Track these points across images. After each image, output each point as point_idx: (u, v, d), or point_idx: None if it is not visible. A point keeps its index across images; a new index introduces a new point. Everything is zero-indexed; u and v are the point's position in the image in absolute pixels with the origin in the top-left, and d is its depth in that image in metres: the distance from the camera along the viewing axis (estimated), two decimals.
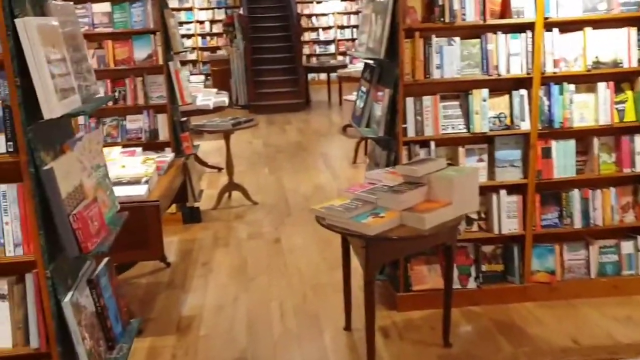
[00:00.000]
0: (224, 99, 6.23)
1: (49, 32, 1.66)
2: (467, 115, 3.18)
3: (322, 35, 14.17)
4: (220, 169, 6.43)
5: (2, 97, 1.64)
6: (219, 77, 11.32)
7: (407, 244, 2.61)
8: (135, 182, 3.18)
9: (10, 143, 1.63)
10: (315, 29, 14.10)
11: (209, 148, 7.32)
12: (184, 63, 13.85)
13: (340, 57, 14.12)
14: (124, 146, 4.58)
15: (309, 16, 13.95)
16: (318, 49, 14.21)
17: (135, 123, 4.77)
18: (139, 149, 3.84)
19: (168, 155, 3.81)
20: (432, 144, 3.18)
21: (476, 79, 3.16)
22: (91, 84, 1.98)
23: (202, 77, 8.69)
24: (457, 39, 3.12)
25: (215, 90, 6.51)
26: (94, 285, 1.87)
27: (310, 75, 11.88)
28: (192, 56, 13.88)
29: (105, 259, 2.02)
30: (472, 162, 3.24)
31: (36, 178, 1.66)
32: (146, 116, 4.73)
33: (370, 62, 3.54)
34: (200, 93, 6.31)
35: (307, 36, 13.87)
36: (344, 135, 8.27)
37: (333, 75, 11.39)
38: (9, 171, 1.68)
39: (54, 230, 1.69)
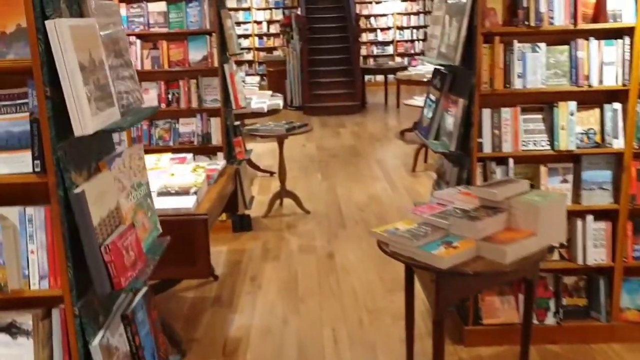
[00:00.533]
0: (278, 101, 6.01)
1: (86, 35, 1.44)
2: (551, 131, 2.82)
3: (381, 36, 13.82)
4: (272, 174, 6.22)
5: (31, 109, 1.43)
6: (275, 78, 11.16)
7: (484, 279, 2.28)
8: (184, 192, 2.98)
9: (38, 162, 1.42)
10: (373, 30, 13.77)
11: (263, 150, 7.14)
12: (240, 63, 13.80)
13: (398, 59, 13.74)
14: (175, 150, 4.44)
15: (367, 17, 13.64)
16: (376, 50, 13.87)
17: (188, 126, 4.61)
18: (189, 156, 3.64)
19: (219, 162, 3.60)
20: (511, 161, 2.83)
21: (563, 90, 2.79)
22: (134, 92, 1.75)
23: (257, 78, 8.53)
24: (543, 45, 2.76)
25: (269, 92, 6.31)
26: (128, 321, 1.65)
27: (367, 77, 11.56)
28: (249, 56, 13.81)
29: (144, 289, 1.79)
30: (555, 183, 2.88)
31: (65, 202, 1.44)
32: (199, 120, 4.56)
33: (441, 68, 3.22)
34: (254, 95, 6.12)
35: (365, 37, 13.55)
36: (402, 141, 7.93)
37: (391, 77, 11.05)
38: (35, 192, 1.48)
39: (84, 261, 1.47)
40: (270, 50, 13.59)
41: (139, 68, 4.44)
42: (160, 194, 2.97)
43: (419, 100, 6.34)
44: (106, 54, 1.56)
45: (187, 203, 2.86)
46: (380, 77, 12.72)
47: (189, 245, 2.83)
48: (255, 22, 13.70)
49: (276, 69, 11.15)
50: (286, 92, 10.96)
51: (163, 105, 4.53)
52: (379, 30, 13.80)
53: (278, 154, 5.11)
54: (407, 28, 13.78)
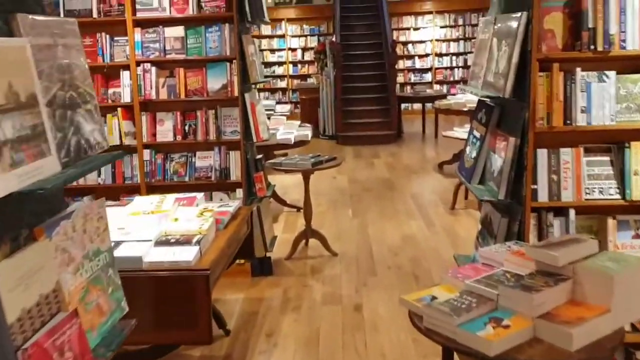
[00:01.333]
0: (307, 132, 5.64)
1: (5, 61, 1.06)
2: (621, 176, 2.34)
3: (418, 63, 13.42)
4: (299, 209, 5.81)
5: None
6: (307, 106, 10.86)
7: None
8: (186, 241, 2.59)
9: None
10: (410, 57, 13.39)
11: (290, 182, 6.75)
12: (273, 91, 13.60)
13: (437, 87, 13.29)
14: (191, 187, 4.09)
15: (405, 43, 13.28)
16: (413, 78, 13.46)
17: (205, 160, 4.25)
18: (199, 195, 3.27)
19: (232, 204, 3.21)
20: (572, 212, 2.35)
21: (636, 127, 2.31)
22: (92, 134, 1.37)
23: (288, 107, 8.21)
24: (612, 73, 2.30)
25: (298, 122, 5.94)
26: None
27: (403, 105, 11.15)
28: (283, 84, 13.59)
29: None
30: (625, 238, 2.38)
31: None
32: (217, 153, 4.20)
33: (487, 100, 2.77)
34: (281, 126, 5.76)
35: (402, 64, 13.17)
36: (440, 174, 7.43)
37: (429, 105, 10.62)
38: None
39: None
40: (304, 77, 13.35)
41: (154, 97, 4.14)
42: (158, 243, 2.59)
43: (459, 132, 5.87)
44: (47, 85, 1.18)
45: (187, 255, 2.47)
46: (417, 105, 12.30)
47: (188, 304, 2.43)
48: (290, 49, 13.50)
49: (309, 96, 10.84)
50: (319, 121, 10.63)
51: (179, 138, 4.20)
52: (416, 57, 13.41)
53: (304, 191, 4.71)
54: (447, 55, 13.34)
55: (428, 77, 13.43)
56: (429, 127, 10.69)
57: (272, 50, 13.51)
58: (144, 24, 4.10)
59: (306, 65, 13.53)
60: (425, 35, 13.33)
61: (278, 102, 13.36)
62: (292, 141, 5.40)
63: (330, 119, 10.39)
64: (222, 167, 4.21)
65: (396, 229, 5.30)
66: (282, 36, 13.44)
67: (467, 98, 7.21)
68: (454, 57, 13.35)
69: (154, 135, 4.23)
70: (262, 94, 13.62)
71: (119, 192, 4.32)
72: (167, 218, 2.84)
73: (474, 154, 2.69)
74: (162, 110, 4.22)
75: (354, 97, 10.46)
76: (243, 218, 3.21)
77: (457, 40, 13.28)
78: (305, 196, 4.67)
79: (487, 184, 2.57)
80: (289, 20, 13.37)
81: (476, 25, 13.13)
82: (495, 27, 2.60)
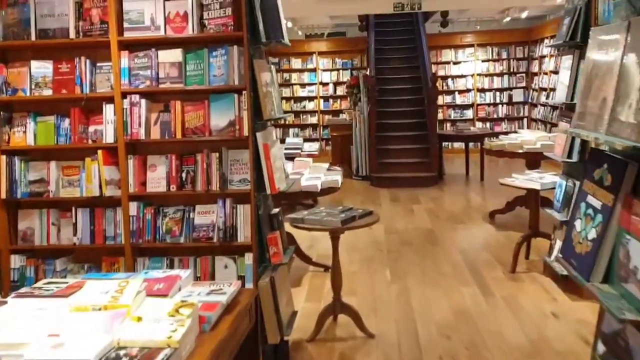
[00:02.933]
0: (336, 177, 4.72)
1: None
2: None
3: (459, 99, 12.48)
4: (327, 268, 4.86)
5: None
6: (339, 144, 10.00)
7: None
8: None
9: None
10: (450, 92, 12.47)
11: (316, 232, 5.80)
12: (304, 127, 12.81)
13: (479, 124, 12.30)
14: (188, 250, 3.21)
15: (444, 78, 12.38)
16: (453, 114, 12.51)
17: (207, 216, 3.36)
18: (184, 275, 2.37)
19: (227, 288, 2.29)
20: None
21: None
22: None
23: (317, 145, 7.35)
24: None
25: (326, 165, 5.04)
26: None
27: (443, 144, 10.18)
28: (313, 119, 12.80)
29: None
30: None
31: None
32: (221, 207, 3.31)
33: (605, 149, 1.81)
34: (307, 169, 4.87)
35: (441, 99, 12.24)
36: (492, 225, 6.40)
37: (471, 144, 9.65)
38: None
39: None
40: (336, 113, 12.54)
41: (143, 137, 3.29)
42: None
43: (520, 179, 4.88)
44: None
45: None
46: (457, 144, 11.34)
47: None
48: (321, 83, 12.75)
49: (341, 133, 9.99)
50: (352, 160, 9.74)
51: (174, 188, 3.33)
52: (456, 93, 12.48)
53: (332, 252, 3.77)
54: (489, 90, 12.38)
55: (469, 113, 12.47)
56: (472, 168, 9.68)
57: (303, 85, 12.78)
58: (133, 46, 3.29)
59: (338, 100, 12.75)
60: (466, 70, 12.43)
61: (306, 140, 12.58)
62: (319, 188, 4.50)
63: (364, 158, 9.49)
64: (227, 225, 3.31)
65: (445, 299, 4.29)
66: (314, 70, 12.72)
67: (523, 138, 6.22)
68: (497, 93, 12.38)
69: (143, 184, 3.38)
70: (291, 130, 12.86)
71: (99, 254, 3.47)
72: (124, 317, 1.93)
73: (592, 234, 1.72)
74: (154, 153, 3.37)
75: (390, 134, 9.56)
76: (243, 309, 2.29)
77: (500, 74, 12.33)
78: (334, 260, 3.73)
79: (620, 285, 1.59)
80: (321, 53, 12.66)
81: (521, 58, 12.17)
82: (630, 37, 1.66)
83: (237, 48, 3.21)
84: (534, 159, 6.21)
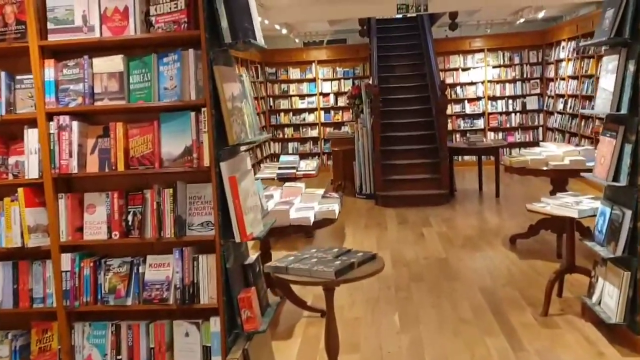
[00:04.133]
0: (333, 206, 3.95)
1: None
2: None
3: (468, 108, 11.71)
4: (324, 314, 4.06)
5: None
6: (341, 159, 9.23)
7: None
8: None
9: None
10: (459, 101, 11.70)
11: None
12: (303, 141, 12.05)
13: (490, 134, 11.51)
14: (135, 314, 2.47)
15: (452, 86, 11.60)
16: (463, 124, 11.73)
17: (160, 271, 2.62)
18: None
19: None
20: None
21: None
22: None
23: (315, 164, 6.58)
24: None
25: (321, 191, 4.27)
26: None
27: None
28: (314, 132, 12.06)
29: None
30: None
31: None
32: (178, 259, 2.57)
33: None
34: (297, 197, 4.10)
35: (449, 109, 11.45)
36: (514, 252, 5.60)
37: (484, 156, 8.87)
38: None
39: None
40: (338, 125, 11.79)
41: (76, 170, 2.55)
42: None
43: (552, 205, 4.08)
44: None
45: None
46: (468, 156, 10.58)
47: None
48: (321, 94, 12.01)
49: (342, 147, 9.22)
50: (355, 177, 8.97)
51: (117, 235, 2.59)
52: (466, 101, 11.71)
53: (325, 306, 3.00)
54: (501, 98, 11.60)
55: (480, 123, 11.67)
56: (486, 183, 8.89)
57: (302, 96, 12.05)
58: (60, 52, 2.56)
59: (340, 112, 12.00)
60: (476, 76, 11.65)
61: (305, 155, 11.82)
62: (312, 221, 3.73)
63: (368, 174, 8.72)
64: (186, 282, 2.56)
65: (467, 353, 3.50)
66: (313, 80, 11.99)
67: (548, 153, 5.43)
68: (509, 101, 11.59)
69: (79, 230, 2.63)
70: (290, 145, 12.11)
71: (26, 319, 2.72)
72: None
73: None
74: (91, 191, 2.63)
75: (396, 148, 8.79)
76: None
77: (513, 81, 11.54)
78: (328, 319, 2.95)
79: None
80: (320, 62, 11.93)
81: (535, 63, 11.40)
82: None
83: (193, 52, 2.48)
84: (561, 177, 5.42)
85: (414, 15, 11.79)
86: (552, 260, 5.27)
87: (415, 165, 8.54)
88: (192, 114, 2.48)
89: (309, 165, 6.60)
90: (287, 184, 4.38)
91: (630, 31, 3.27)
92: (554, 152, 5.44)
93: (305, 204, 3.96)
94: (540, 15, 8.45)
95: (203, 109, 2.46)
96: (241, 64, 10.04)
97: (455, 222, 7.05)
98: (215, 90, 2.44)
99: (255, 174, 9.85)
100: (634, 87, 3.29)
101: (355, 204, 8.48)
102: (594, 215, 3.82)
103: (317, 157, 12.06)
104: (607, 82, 3.53)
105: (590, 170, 5.21)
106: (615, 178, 3.46)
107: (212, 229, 2.52)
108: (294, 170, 6.39)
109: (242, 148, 2.78)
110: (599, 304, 3.67)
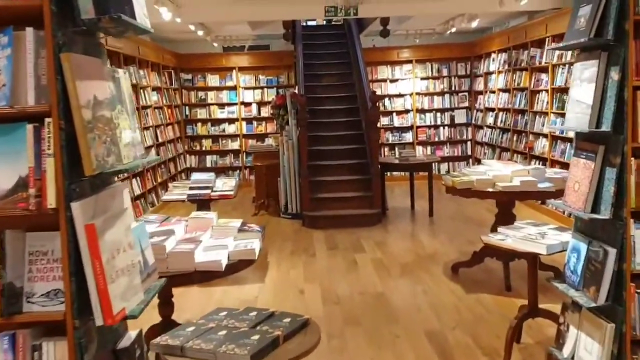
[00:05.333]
0: (252, 244, 3.10)
1: None
2: None
3: (397, 121, 11.22)
4: None
5: None
6: (264, 175, 8.41)
7: None
8: None
9: None
10: (387, 113, 11.19)
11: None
12: (223, 154, 11.11)
13: (419, 148, 11.07)
14: None
15: (380, 97, 11.04)
16: (391, 137, 11.23)
17: None
18: None
19: None
20: None
21: None
22: None
23: (234, 182, 5.71)
24: None
25: (238, 223, 3.41)
26: None
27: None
28: (235, 144, 11.16)
29: None
30: None
31: None
32: (8, 348, 1.67)
33: None
34: (206, 232, 3.24)
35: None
36: (458, 284, 4.98)
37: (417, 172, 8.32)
38: None
39: None
40: (261, 137, 10.96)
41: None
42: None
43: (512, 238, 3.45)
44: None
45: None
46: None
47: None
48: (243, 103, 11.15)
49: (266, 162, 8.41)
50: (279, 195, 8.18)
51: None
52: (394, 114, 11.22)
53: None
54: (429, 111, 11.20)
55: (409, 136, 11.22)
56: (418, 200, 8.35)
57: (222, 105, 11.13)
58: None
59: (263, 123, 11.18)
60: (404, 88, 11.19)
61: (222, 170, 10.90)
62: (224, 265, 2.88)
63: (294, 192, 7.95)
64: None
65: None
66: (234, 88, 11.10)
67: (494, 173, 4.86)
68: (438, 114, 11.21)
69: None
70: (208, 158, 11.14)
71: None
72: None
73: None
74: None
75: (324, 163, 8.09)
76: None
77: (441, 93, 11.18)
78: None
79: None
80: (241, 69, 11.07)
81: (463, 76, 11.09)
82: None
83: (33, 33, 1.60)
84: (510, 200, 4.88)
85: (342, 19, 11.26)
86: (500, 293, 4.70)
87: (345, 182, 7.86)
88: (30, 127, 1.61)
89: (226, 185, 5.72)
90: (193, 214, 3.52)
91: (614, 32, 2.68)
92: (501, 172, 4.88)
93: (217, 241, 3.11)
94: (474, 24, 8.04)
95: (47, 120, 1.60)
96: (151, 68, 9.02)
97: (389, 246, 6.40)
98: (63, 92, 1.58)
99: (158, 197, 8.72)
100: (618, 99, 2.71)
101: (280, 225, 7.69)
102: (563, 251, 3.23)
103: (238, 171, 11.17)
104: (582, 93, 2.94)
105: (548, 193, 4.71)
106: (595, 209, 2.86)
107: (61, 302, 1.65)
108: (208, 191, 5.51)
109: (114, 178, 1.92)
110: (572, 359, 3.07)
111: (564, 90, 7.07)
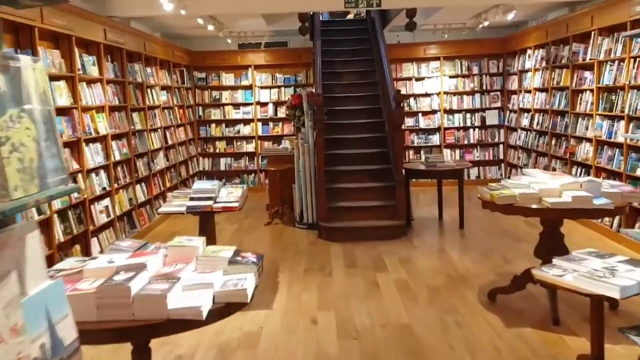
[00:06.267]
0: (245, 281, 2.45)
1: None
2: None
3: (423, 122, 10.50)
4: None
5: None
6: (278, 181, 7.79)
7: None
8: None
9: None
10: (413, 114, 10.48)
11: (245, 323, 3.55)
12: (237, 156, 10.52)
13: (446, 152, 10.34)
14: None
15: (405, 97, 10.36)
16: (417, 140, 10.51)
17: None
18: None
19: None
20: None
21: None
22: None
23: (240, 192, 5.07)
24: None
25: (231, 250, 2.75)
26: None
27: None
28: (250, 147, 10.56)
29: None
30: None
31: None
32: None
33: None
34: (189, 264, 2.60)
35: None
36: (496, 315, 4.28)
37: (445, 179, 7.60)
38: None
39: None
40: (278, 139, 10.34)
41: None
42: None
43: (572, 274, 2.75)
44: None
45: None
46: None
47: None
48: (259, 103, 10.54)
49: (280, 167, 7.78)
50: (294, 203, 7.54)
51: None
52: (420, 115, 10.50)
53: None
54: (458, 112, 10.46)
55: (435, 139, 10.49)
56: (447, 209, 7.64)
57: (236, 105, 10.54)
58: None
59: (280, 124, 10.56)
60: (431, 87, 10.47)
61: (237, 174, 10.34)
62: (204, 314, 2.24)
63: (310, 200, 7.31)
64: None
65: None
66: (249, 87, 10.51)
67: (540, 186, 4.14)
68: (468, 115, 10.46)
69: None
70: (222, 160, 10.57)
71: None
72: None
73: None
74: None
75: (343, 169, 7.43)
76: None
77: (471, 93, 10.42)
78: None
79: None
80: (258, 67, 10.47)
81: (495, 74, 10.32)
82: None
83: None
84: (559, 219, 4.16)
85: (363, 11, 10.61)
86: (547, 327, 3.99)
87: (366, 189, 7.18)
88: None
89: (231, 195, 5.09)
90: (175, 240, 2.87)
91: None
92: (548, 185, 4.16)
93: (201, 277, 2.47)
94: (510, 16, 7.29)
95: None
96: (160, 65, 8.45)
97: (415, 264, 5.70)
98: None
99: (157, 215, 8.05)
100: None
101: (294, 236, 7.05)
102: None
103: (253, 175, 10.57)
104: None
105: (605, 211, 3.96)
106: None
107: None
108: (210, 202, 4.90)
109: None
110: None
111: (612, 89, 6.29)
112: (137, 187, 7.28)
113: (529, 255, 4.65)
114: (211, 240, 5.24)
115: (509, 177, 9.02)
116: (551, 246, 4.23)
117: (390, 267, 5.61)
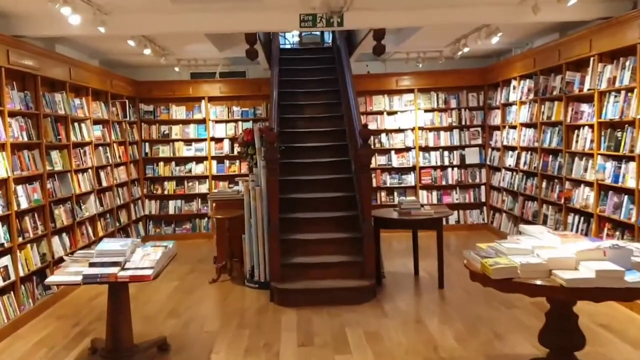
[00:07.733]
0: None
1: None
2: None
3: (395, 160, 9.46)
4: None
5: None
6: (227, 230, 6.61)
7: None
8: None
9: None
10: (384, 151, 9.44)
11: None
12: (189, 198, 9.31)
13: (422, 193, 9.29)
14: None
15: (376, 133, 9.35)
16: (389, 180, 9.45)
17: None
18: None
19: None
20: None
21: None
22: None
23: (160, 253, 3.89)
24: None
25: None
26: None
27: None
28: (203, 187, 9.38)
29: None
30: None
31: None
32: None
33: None
34: None
35: (372, 161, 9.16)
36: None
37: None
38: None
39: None
40: (233, 179, 9.18)
41: None
42: None
43: None
44: None
45: None
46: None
47: None
48: (213, 139, 9.41)
49: (230, 214, 6.62)
50: (245, 257, 6.36)
51: None
52: (392, 152, 9.47)
53: None
54: (435, 149, 9.46)
55: (410, 179, 9.44)
56: (424, 260, 6.53)
57: (188, 141, 9.40)
58: None
59: (237, 162, 9.43)
60: (404, 122, 9.46)
61: (188, 218, 9.11)
62: None
63: (263, 254, 6.13)
64: None
65: None
66: (203, 121, 9.39)
67: (548, 252, 3.06)
68: (445, 153, 9.46)
69: None
70: (171, 203, 9.34)
71: None
72: None
73: None
74: None
75: (302, 216, 6.30)
76: None
77: (449, 128, 9.45)
78: None
79: None
80: (212, 99, 9.38)
81: (475, 108, 9.38)
82: None
83: None
84: (574, 299, 3.07)
85: (319, 32, 9.66)
86: None
87: (329, 242, 6.04)
88: None
89: (146, 258, 3.93)
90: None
91: None
92: (559, 252, 3.08)
93: None
94: (494, 40, 6.34)
95: None
96: (93, 96, 7.27)
97: (385, 341, 4.53)
98: None
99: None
100: None
101: (242, 298, 5.86)
102: None
103: (206, 219, 9.37)
104: None
105: (636, 292, 2.86)
106: None
107: None
108: (115, 269, 3.74)
109: None
110: None
111: (618, 125, 5.32)
112: (55, 239, 6.04)
113: (524, 327, 3.63)
114: (124, 324, 4.02)
115: (504, 238, 8.00)
116: (562, 332, 3.15)
117: (353, 345, 4.43)
